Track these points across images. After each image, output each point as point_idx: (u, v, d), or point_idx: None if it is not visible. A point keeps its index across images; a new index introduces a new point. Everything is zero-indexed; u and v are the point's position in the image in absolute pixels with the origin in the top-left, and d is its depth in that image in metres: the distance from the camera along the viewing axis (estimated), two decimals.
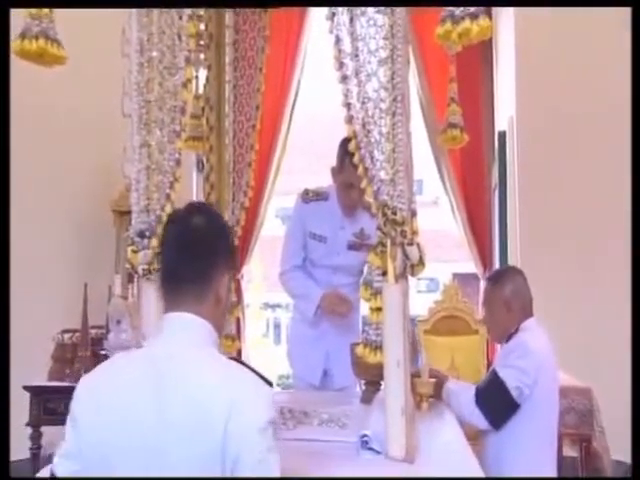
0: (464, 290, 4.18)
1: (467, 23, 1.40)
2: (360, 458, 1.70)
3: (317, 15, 4.38)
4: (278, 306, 13.05)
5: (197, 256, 1.26)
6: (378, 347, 1.68)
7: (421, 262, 1.63)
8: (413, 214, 1.64)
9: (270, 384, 1.28)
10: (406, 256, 1.61)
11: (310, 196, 2.83)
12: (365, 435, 1.74)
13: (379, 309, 1.66)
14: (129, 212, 2.10)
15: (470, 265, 4.76)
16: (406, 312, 1.65)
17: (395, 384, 1.64)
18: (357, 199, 2.66)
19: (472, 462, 1.77)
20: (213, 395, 1.14)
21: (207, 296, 1.26)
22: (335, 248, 2.81)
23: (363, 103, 1.63)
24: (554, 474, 2.26)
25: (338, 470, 1.62)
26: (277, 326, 14.05)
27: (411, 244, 1.61)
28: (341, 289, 2.80)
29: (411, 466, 1.63)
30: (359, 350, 1.73)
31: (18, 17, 1.75)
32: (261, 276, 10.44)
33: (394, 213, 1.60)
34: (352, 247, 2.80)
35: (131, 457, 1.13)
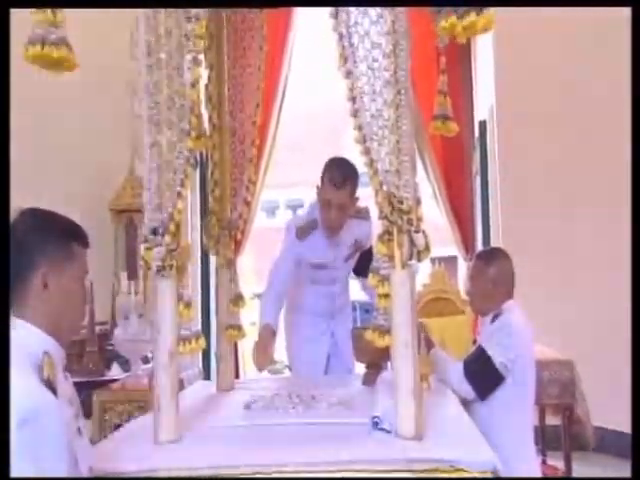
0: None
1: (473, 16, 1.38)
2: (372, 438, 1.69)
3: (305, 12, 4.30)
4: None
5: (13, 261, 1.23)
6: (386, 331, 1.67)
7: (427, 248, 1.62)
8: (418, 202, 1.63)
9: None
10: (412, 243, 1.60)
11: (304, 231, 2.71)
12: (376, 416, 1.73)
13: (387, 295, 1.65)
14: (126, 210, 2.03)
15: (450, 249, 4.77)
16: (413, 296, 1.64)
17: (404, 365, 1.64)
18: (334, 219, 2.60)
19: (477, 436, 1.77)
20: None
21: (27, 296, 1.24)
22: (336, 267, 2.81)
23: (368, 97, 1.61)
24: (532, 437, 2.36)
25: (352, 451, 1.60)
26: None
27: (417, 231, 1.60)
28: (339, 292, 2.90)
29: (420, 442, 1.63)
30: (368, 335, 1.72)
31: (22, 21, 1.69)
32: (250, 268, 10.36)
33: (400, 202, 1.59)
34: (349, 258, 2.83)
35: None
